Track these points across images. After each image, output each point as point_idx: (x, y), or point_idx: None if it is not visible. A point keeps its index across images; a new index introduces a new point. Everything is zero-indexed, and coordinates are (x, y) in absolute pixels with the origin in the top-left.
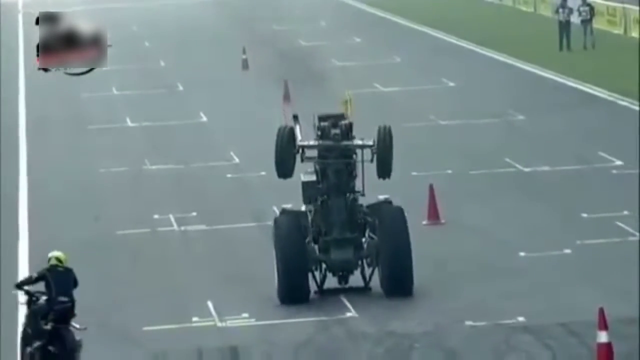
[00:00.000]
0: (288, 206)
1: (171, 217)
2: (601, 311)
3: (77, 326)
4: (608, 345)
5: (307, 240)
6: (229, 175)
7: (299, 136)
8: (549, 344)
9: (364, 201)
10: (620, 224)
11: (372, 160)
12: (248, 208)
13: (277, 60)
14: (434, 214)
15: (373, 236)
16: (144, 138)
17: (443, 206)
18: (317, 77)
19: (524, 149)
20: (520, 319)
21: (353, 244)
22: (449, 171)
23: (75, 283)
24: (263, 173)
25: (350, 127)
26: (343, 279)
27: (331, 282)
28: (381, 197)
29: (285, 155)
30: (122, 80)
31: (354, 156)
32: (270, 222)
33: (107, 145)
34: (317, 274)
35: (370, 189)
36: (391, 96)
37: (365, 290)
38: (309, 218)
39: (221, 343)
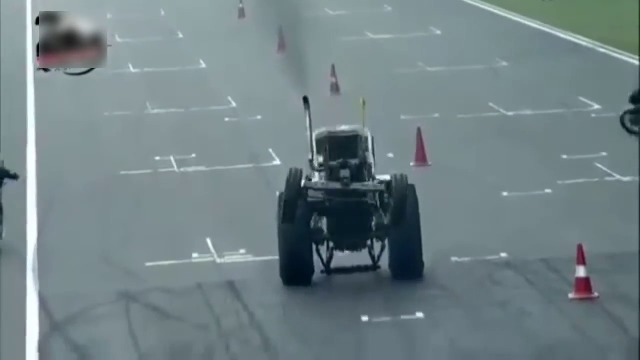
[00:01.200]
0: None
1: (172, 158)
2: (580, 247)
3: None
4: (586, 280)
5: (313, 217)
6: (226, 119)
7: (308, 126)
8: (530, 279)
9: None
10: (598, 165)
11: (381, 204)
12: (245, 150)
13: (271, 9)
14: (421, 157)
15: (383, 215)
16: (145, 84)
17: (430, 149)
18: (311, 25)
19: (507, 94)
20: (503, 255)
21: (362, 229)
22: (436, 115)
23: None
24: (259, 117)
25: (360, 166)
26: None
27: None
28: (387, 177)
29: (293, 202)
30: (124, 29)
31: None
32: (267, 164)
33: (111, 91)
34: (323, 251)
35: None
36: (381, 43)
37: (374, 269)
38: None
39: (220, 278)
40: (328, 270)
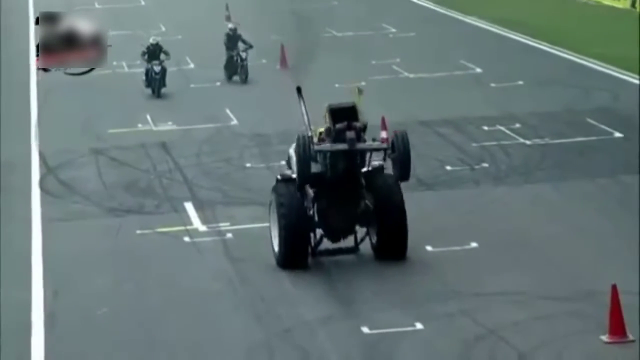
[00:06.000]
0: (288, 172)
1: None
2: (383, 119)
3: None
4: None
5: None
6: None
7: (305, 116)
8: None
9: None
10: (395, 67)
11: (384, 159)
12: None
13: None
14: None
15: (369, 204)
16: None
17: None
18: None
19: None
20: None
21: (352, 214)
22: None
23: None
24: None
25: (364, 128)
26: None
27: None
28: (375, 164)
29: (307, 166)
30: None
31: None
32: (184, 67)
33: None
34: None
35: None
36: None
37: (354, 250)
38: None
39: (156, 140)
40: (314, 253)
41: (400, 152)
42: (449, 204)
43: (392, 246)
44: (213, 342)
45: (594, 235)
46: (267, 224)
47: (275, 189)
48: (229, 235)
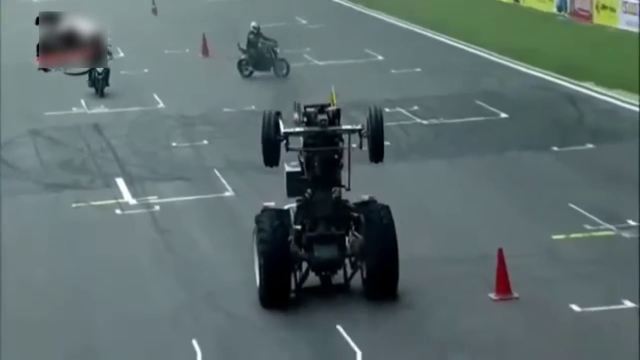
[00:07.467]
0: (271, 204)
1: None
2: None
3: None
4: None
5: (289, 238)
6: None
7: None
8: None
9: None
10: None
11: (360, 147)
12: None
13: None
14: None
15: (357, 235)
16: None
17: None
18: None
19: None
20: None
21: (338, 241)
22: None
23: None
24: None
25: (337, 113)
26: (326, 279)
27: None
28: (365, 197)
29: (272, 143)
30: None
31: (341, 143)
32: (117, 56)
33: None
34: (297, 273)
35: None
36: (219, 8)
37: (344, 287)
38: (292, 216)
39: (89, 122)
40: (299, 290)
41: (372, 129)
42: (354, 179)
43: (381, 283)
44: (141, 303)
45: (485, 206)
46: (190, 197)
47: (257, 220)
48: (157, 207)
